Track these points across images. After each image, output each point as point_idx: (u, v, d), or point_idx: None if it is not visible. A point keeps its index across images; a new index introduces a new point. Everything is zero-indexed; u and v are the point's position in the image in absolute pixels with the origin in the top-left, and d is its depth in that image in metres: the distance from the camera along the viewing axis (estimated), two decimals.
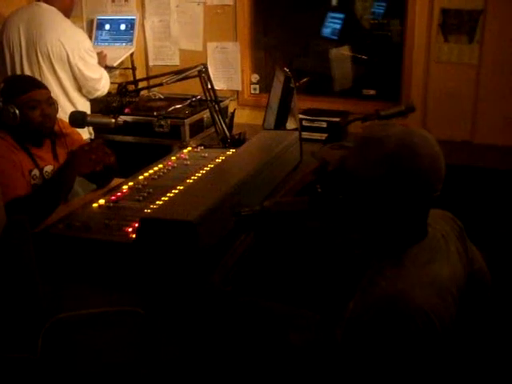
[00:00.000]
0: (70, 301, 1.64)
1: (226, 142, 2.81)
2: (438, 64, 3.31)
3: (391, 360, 1.24)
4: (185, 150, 2.75)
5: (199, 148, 2.78)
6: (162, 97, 3.73)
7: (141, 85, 3.29)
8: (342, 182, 1.41)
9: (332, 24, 5.04)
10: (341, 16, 4.90)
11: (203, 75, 2.57)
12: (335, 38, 4.68)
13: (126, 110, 3.30)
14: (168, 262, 1.66)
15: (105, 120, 2.30)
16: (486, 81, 3.28)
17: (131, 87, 3.07)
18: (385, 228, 1.39)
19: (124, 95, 2.41)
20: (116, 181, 2.47)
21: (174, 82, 2.53)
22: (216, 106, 2.71)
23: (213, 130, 3.51)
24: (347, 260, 1.89)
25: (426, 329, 1.23)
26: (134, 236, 1.77)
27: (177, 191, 2.14)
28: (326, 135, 3.25)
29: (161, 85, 2.53)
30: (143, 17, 3.90)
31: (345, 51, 4.23)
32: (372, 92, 3.60)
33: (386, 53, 3.91)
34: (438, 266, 1.37)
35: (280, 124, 2.80)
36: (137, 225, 1.82)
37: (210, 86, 2.71)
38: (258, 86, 3.79)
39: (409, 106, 2.69)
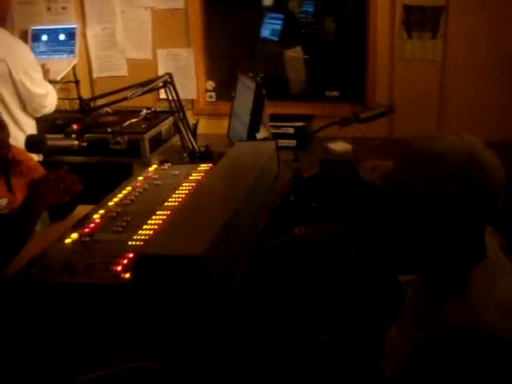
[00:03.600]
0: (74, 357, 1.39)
1: (195, 157, 2.61)
2: (402, 61, 3.22)
3: None
4: (150, 169, 2.52)
5: (166, 165, 2.56)
6: (110, 111, 3.45)
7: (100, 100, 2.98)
8: (387, 205, 1.25)
9: (271, 25, 4.94)
10: (280, 16, 4.81)
11: (169, 85, 2.35)
12: (275, 38, 4.60)
13: (75, 127, 3.02)
14: (176, 304, 1.43)
15: (67, 142, 2.05)
16: (450, 77, 3.22)
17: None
18: (445, 251, 1.25)
19: (87, 113, 2.15)
20: (80, 209, 2.21)
21: (139, 96, 2.29)
22: (183, 118, 2.50)
23: (171, 143, 3.31)
24: (379, 290, 1.73)
25: (505, 353, 1.16)
26: (127, 276, 1.54)
27: (161, 217, 1.92)
28: (294, 142, 3.11)
29: (125, 99, 2.29)
30: (84, 25, 3.61)
31: (297, 53, 4.10)
32: (335, 93, 3.47)
33: (335, 51, 3.83)
34: (502, 285, 1.25)
35: (252, 134, 2.62)
36: (126, 261, 1.60)
37: (175, 97, 2.50)
38: (214, 94, 3.58)
39: (389, 107, 2.59)
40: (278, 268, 1.70)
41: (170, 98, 2.41)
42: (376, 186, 1.27)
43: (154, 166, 2.54)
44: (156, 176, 2.40)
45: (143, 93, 2.29)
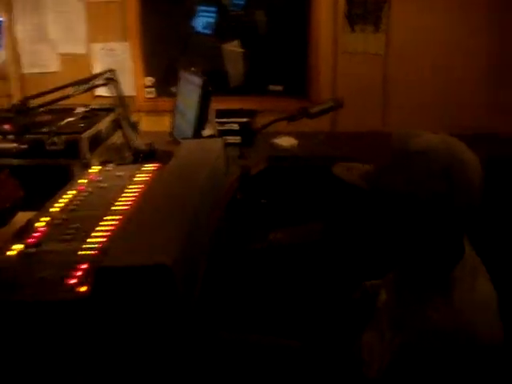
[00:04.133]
0: None
1: (139, 156, 2.48)
2: (345, 55, 3.22)
3: None
4: (92, 170, 2.38)
5: (109, 166, 2.42)
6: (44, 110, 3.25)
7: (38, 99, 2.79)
8: (368, 205, 1.20)
9: (205, 18, 4.84)
10: (213, 9, 4.73)
11: (112, 83, 2.22)
12: (209, 32, 4.51)
13: (7, 128, 2.82)
14: (140, 315, 1.33)
15: (5, 145, 1.89)
16: (392, 69, 3.24)
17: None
18: (427, 250, 1.23)
19: (26, 113, 1.99)
20: (20, 216, 2.05)
21: (81, 93, 2.15)
22: (127, 116, 2.37)
23: (111, 142, 3.16)
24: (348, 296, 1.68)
25: (493, 352, 1.18)
26: (82, 289, 1.42)
27: (112, 223, 1.79)
28: (239, 138, 3.04)
29: (67, 97, 2.14)
30: (11, 18, 3.38)
31: (235, 46, 4.02)
32: (279, 88, 3.42)
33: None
34: (481, 283, 1.25)
35: (199, 132, 2.52)
36: (81, 273, 1.48)
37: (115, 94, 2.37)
38: (153, 90, 3.44)
39: (337, 101, 2.55)
40: (256, 274, 1.63)
41: (114, 94, 2.27)
42: (357, 186, 1.22)
43: (97, 167, 2.40)
44: (100, 178, 2.25)
45: (86, 90, 2.14)
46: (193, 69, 2.67)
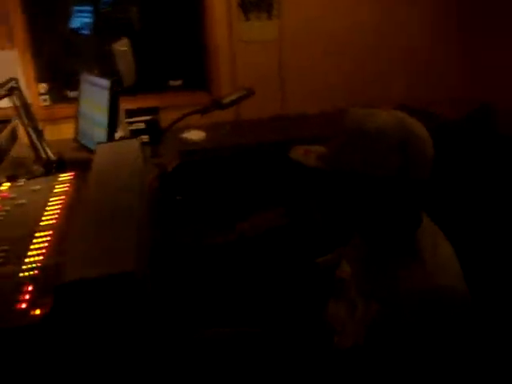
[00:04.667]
0: None
1: (52, 167, 2.38)
2: (241, 43, 3.24)
3: (443, 350, 1.24)
4: (2, 188, 2.25)
5: (19, 181, 2.30)
6: None
7: None
8: (333, 184, 1.25)
9: (82, 18, 4.70)
10: (88, 9, 4.60)
11: (16, 92, 2.10)
12: (88, 32, 4.38)
13: None
14: (106, 325, 1.29)
15: None
16: (288, 55, 3.31)
17: None
18: (391, 220, 1.30)
19: None
20: None
21: None
22: (35, 127, 2.25)
23: (11, 156, 2.98)
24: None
25: (464, 308, 1.26)
26: (37, 312, 1.35)
27: (45, 239, 1.71)
28: (147, 137, 2.98)
29: None
30: None
31: (124, 45, 3.91)
32: (178, 82, 3.38)
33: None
34: (443, 246, 1.35)
35: (112, 134, 2.45)
36: (29, 296, 1.41)
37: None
38: (48, 97, 3.28)
39: (248, 89, 2.58)
40: (227, 267, 1.62)
41: (17, 104, 2.15)
42: (317, 168, 1.26)
43: (6, 184, 2.27)
44: (14, 195, 2.14)
45: None
46: (95, 71, 2.58)
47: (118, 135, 2.51)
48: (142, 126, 3.00)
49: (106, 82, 2.42)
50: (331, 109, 3.38)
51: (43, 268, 1.57)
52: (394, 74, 3.43)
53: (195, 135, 3.11)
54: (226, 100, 2.47)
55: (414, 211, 1.32)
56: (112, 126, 2.41)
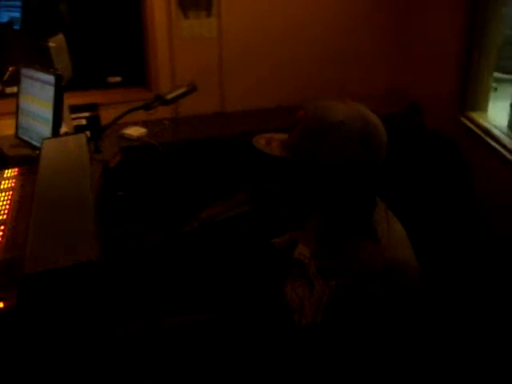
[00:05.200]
0: None
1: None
2: (181, 41, 3.28)
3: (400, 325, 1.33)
4: None
5: None
6: None
7: None
8: (292, 172, 1.34)
9: (9, 13, 4.61)
10: (17, 3, 4.52)
11: None
12: (17, 27, 4.30)
13: None
14: (71, 315, 1.33)
15: None
16: (227, 52, 3.38)
17: None
18: (351, 204, 1.40)
19: None
20: None
21: None
22: None
23: None
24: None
25: (420, 284, 1.36)
26: (1, 306, 1.37)
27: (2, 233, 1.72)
28: (88, 133, 2.97)
29: None
30: None
31: (60, 40, 3.85)
32: (118, 79, 3.38)
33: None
34: (395, 223, 1.45)
35: (57, 130, 2.44)
36: None
37: None
38: None
39: (191, 85, 2.62)
40: (192, 254, 1.67)
41: None
42: (279, 157, 1.34)
43: None
44: None
45: None
46: (37, 66, 2.56)
47: (62, 130, 2.51)
48: (83, 122, 2.99)
49: (50, 77, 2.41)
50: (271, 104, 3.51)
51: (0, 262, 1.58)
52: (329, 70, 3.56)
53: (135, 131, 3.13)
54: (170, 96, 2.51)
55: (370, 194, 1.43)
56: (57, 121, 2.41)
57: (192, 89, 2.55)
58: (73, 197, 1.78)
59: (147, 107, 2.56)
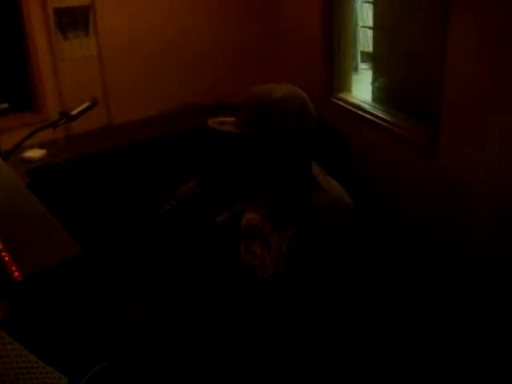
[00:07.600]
0: None
1: None
2: (64, 62, 3.39)
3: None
4: None
5: None
6: None
7: None
8: (247, 145, 1.61)
9: None
10: None
11: None
12: None
13: None
14: (63, 308, 1.46)
15: None
16: (109, 67, 3.55)
17: None
18: (294, 164, 1.69)
19: None
20: None
21: None
22: None
23: None
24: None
25: (358, 219, 1.65)
26: None
27: None
28: None
29: None
30: None
31: None
32: (5, 105, 3.41)
33: None
34: (331, 179, 1.75)
35: None
36: None
37: None
38: None
39: (93, 100, 2.78)
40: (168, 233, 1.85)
41: None
42: (235, 133, 1.61)
43: None
44: None
45: None
46: None
47: None
48: None
49: None
50: (155, 112, 3.74)
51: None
52: (204, 73, 3.87)
53: (35, 153, 3.21)
54: (75, 111, 2.65)
55: (307, 156, 1.74)
56: None
57: (94, 103, 2.71)
58: (22, 207, 1.87)
59: (54, 125, 2.67)
